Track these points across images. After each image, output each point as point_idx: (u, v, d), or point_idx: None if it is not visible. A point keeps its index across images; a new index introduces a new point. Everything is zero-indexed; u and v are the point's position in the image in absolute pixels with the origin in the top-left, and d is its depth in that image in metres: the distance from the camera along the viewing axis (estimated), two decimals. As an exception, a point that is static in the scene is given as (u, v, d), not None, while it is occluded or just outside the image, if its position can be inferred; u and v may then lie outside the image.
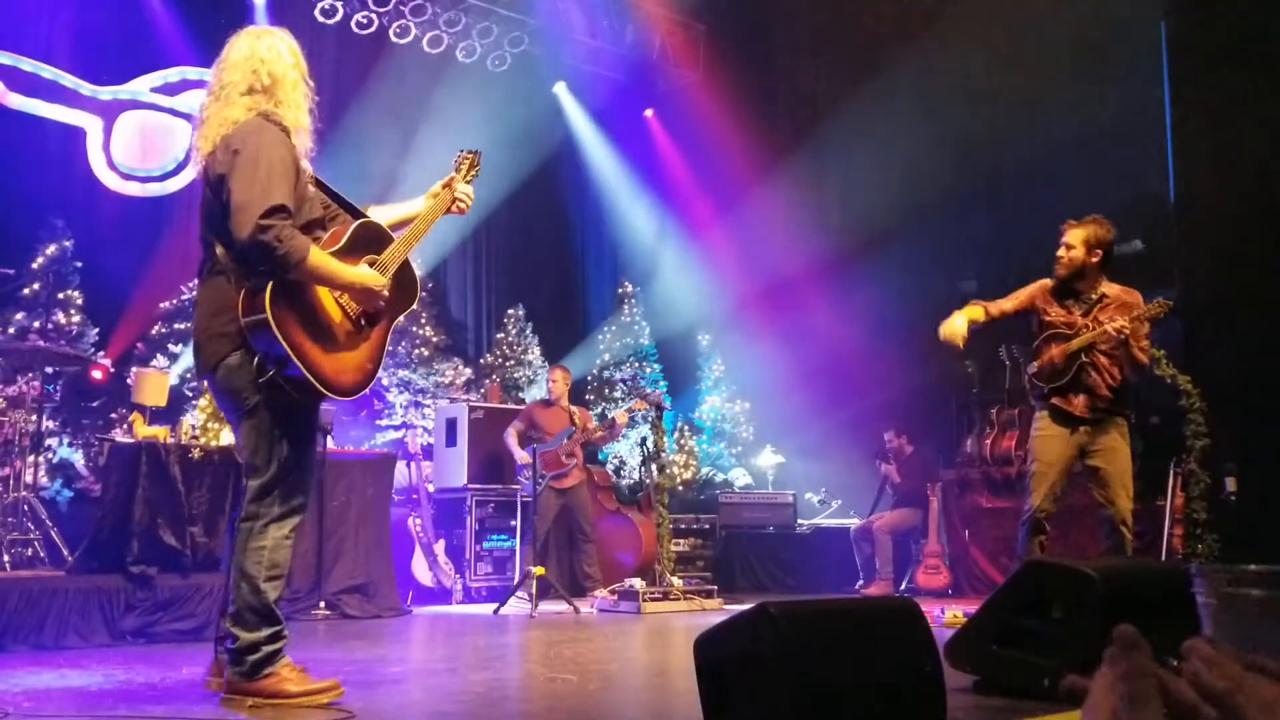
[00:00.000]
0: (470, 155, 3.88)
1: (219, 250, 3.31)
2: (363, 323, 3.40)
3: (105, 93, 8.95)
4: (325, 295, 3.33)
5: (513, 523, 8.40)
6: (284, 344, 3.14)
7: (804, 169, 10.63)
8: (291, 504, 3.37)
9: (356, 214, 3.57)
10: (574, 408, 8.45)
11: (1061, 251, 5.19)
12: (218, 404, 3.49)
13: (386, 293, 3.41)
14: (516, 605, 7.24)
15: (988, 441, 9.39)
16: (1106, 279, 5.23)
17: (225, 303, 3.27)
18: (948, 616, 6.01)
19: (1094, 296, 5.19)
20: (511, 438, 8.18)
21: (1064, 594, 3.27)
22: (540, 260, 11.54)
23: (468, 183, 3.81)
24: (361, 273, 3.33)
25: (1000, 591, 3.57)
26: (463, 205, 3.75)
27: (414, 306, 3.70)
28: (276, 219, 3.12)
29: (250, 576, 3.28)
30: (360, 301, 3.37)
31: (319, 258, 3.22)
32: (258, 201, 3.12)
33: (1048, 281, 5.27)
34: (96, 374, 7.97)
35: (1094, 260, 5.13)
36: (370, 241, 3.44)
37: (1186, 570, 6.30)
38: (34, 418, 6.77)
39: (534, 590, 6.98)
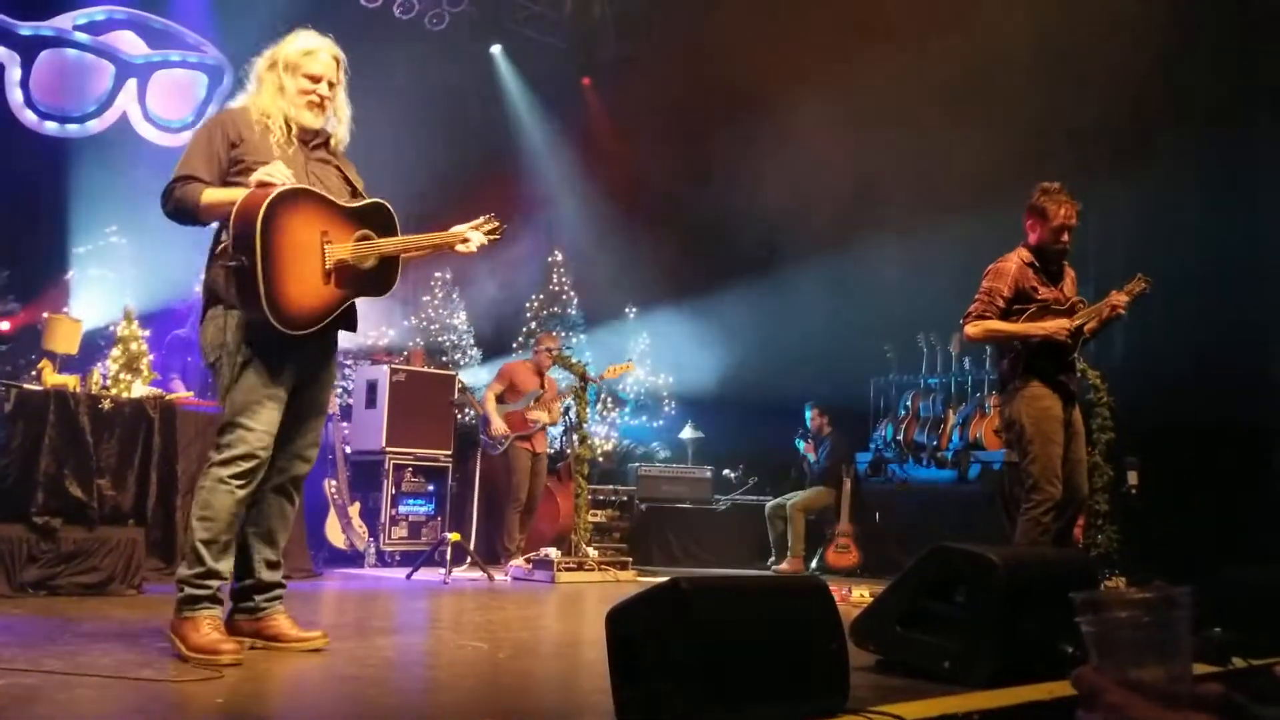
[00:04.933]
0: (495, 222, 4.07)
1: None
2: (331, 277, 3.52)
3: (26, 27, 8.64)
4: (313, 238, 3.47)
5: (430, 487, 8.36)
6: (258, 234, 3.31)
7: (735, 145, 10.63)
8: (233, 451, 3.45)
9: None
10: (551, 378, 8.58)
11: (1074, 226, 5.06)
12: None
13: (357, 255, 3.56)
14: (429, 570, 7.22)
15: (903, 426, 9.58)
16: None
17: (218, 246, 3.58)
18: (855, 595, 6.12)
19: (1057, 269, 5.15)
20: (490, 401, 8.31)
21: (968, 578, 3.35)
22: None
23: (484, 234, 4.00)
24: (238, 192, 3.47)
25: (906, 573, 3.65)
26: (467, 247, 3.95)
27: (382, 296, 3.81)
28: (173, 185, 3.52)
29: (191, 516, 3.48)
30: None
31: (212, 194, 3.47)
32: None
33: (1020, 257, 5.08)
34: (3, 325, 7.74)
35: None
36: (376, 223, 3.66)
37: (1092, 561, 6.51)
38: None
39: (448, 556, 6.97)
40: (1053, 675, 3.00)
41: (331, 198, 3.58)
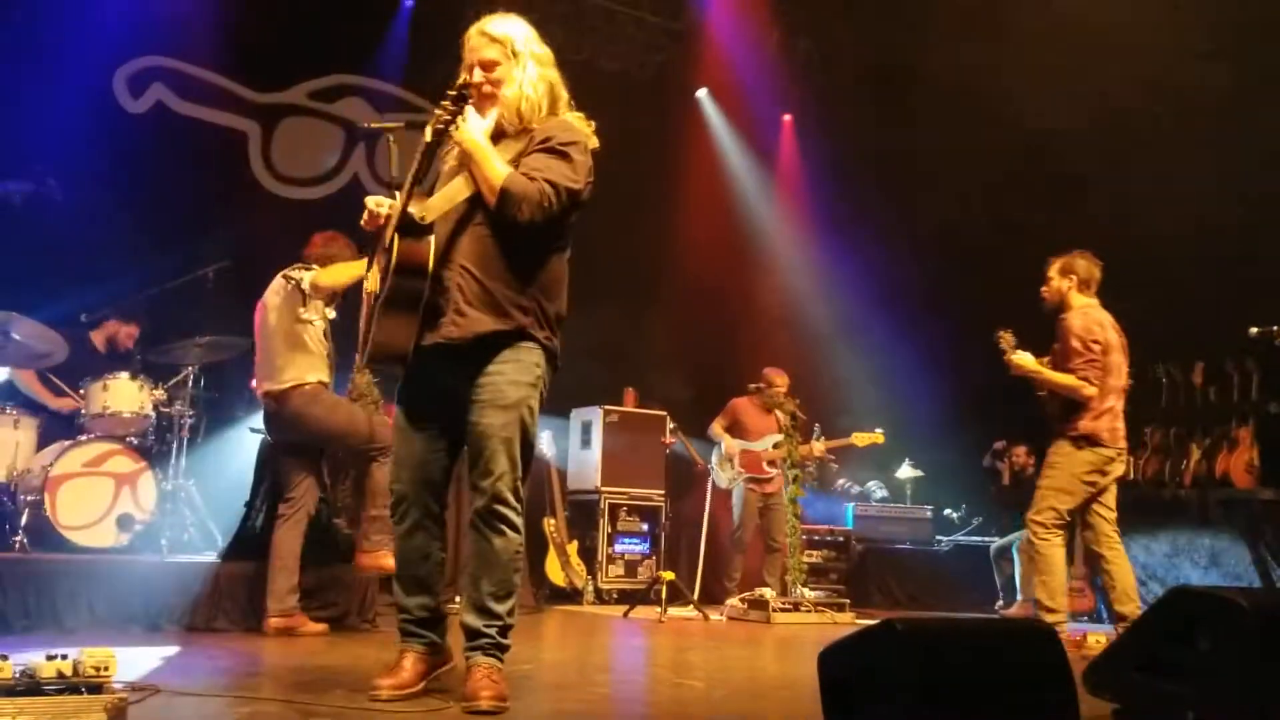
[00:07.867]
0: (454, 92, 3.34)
1: None
2: (378, 302, 3.35)
3: (264, 98, 9.34)
4: (372, 275, 3.52)
5: (644, 526, 8.43)
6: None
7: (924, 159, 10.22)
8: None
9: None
10: (792, 408, 7.91)
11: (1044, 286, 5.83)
12: None
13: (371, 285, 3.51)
14: (645, 609, 7.27)
15: (1140, 462, 9.04)
16: (1089, 305, 5.66)
17: None
18: (1091, 641, 5.79)
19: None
20: (718, 432, 8.44)
21: (1212, 623, 3.11)
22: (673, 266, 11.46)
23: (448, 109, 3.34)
24: None
25: (1144, 617, 3.42)
26: (459, 133, 3.40)
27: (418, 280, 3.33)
28: None
29: None
30: None
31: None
32: None
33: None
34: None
35: (1068, 286, 5.68)
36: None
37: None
38: (190, 409, 7.04)
39: (664, 595, 7.00)
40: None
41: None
